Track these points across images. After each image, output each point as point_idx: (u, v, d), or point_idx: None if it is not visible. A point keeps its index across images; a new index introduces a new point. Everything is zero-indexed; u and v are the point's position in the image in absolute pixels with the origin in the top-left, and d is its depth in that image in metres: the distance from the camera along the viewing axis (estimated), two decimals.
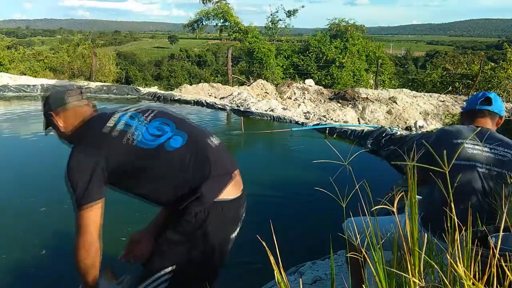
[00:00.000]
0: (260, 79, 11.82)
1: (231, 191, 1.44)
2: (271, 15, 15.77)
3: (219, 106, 8.79)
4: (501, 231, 0.85)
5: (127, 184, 1.46)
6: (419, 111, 8.57)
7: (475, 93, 1.96)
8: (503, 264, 0.74)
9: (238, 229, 1.51)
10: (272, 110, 8.24)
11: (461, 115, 1.89)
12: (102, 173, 1.38)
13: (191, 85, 11.59)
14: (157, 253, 1.45)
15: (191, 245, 1.40)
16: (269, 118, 7.86)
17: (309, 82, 12.02)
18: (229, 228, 1.47)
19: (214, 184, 1.40)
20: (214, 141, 1.52)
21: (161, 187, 1.43)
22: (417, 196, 0.92)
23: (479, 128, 1.68)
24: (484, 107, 1.73)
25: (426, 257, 0.80)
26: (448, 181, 0.86)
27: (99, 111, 1.58)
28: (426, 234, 0.99)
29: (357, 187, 0.87)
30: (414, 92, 10.77)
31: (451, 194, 0.88)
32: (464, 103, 1.92)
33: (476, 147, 1.61)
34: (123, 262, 1.60)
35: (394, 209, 0.81)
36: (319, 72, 14.39)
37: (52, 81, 10.71)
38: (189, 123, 1.55)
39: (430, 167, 0.88)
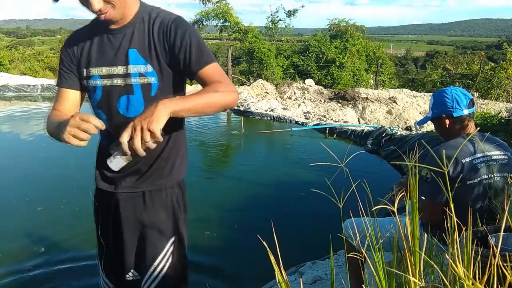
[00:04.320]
0: (260, 79, 11.82)
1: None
2: (271, 15, 15.74)
3: None
4: (502, 231, 0.85)
5: None
6: (419, 111, 8.57)
7: (440, 95, 1.70)
8: (503, 264, 0.74)
9: None
10: (272, 110, 8.24)
11: (440, 120, 1.70)
12: None
13: (191, 85, 11.58)
14: (151, 239, 1.43)
15: (178, 214, 1.45)
16: (269, 118, 7.86)
17: (309, 82, 12.02)
18: None
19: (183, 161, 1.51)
20: None
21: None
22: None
23: (487, 135, 1.60)
24: (472, 109, 1.65)
25: (426, 258, 0.80)
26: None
27: None
28: (426, 234, 0.99)
29: (353, 186, 0.87)
30: (414, 92, 10.77)
31: (451, 199, 0.88)
32: (431, 108, 1.75)
33: (483, 159, 1.55)
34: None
35: (395, 209, 0.81)
36: (319, 72, 14.38)
37: (52, 81, 10.71)
38: None
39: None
